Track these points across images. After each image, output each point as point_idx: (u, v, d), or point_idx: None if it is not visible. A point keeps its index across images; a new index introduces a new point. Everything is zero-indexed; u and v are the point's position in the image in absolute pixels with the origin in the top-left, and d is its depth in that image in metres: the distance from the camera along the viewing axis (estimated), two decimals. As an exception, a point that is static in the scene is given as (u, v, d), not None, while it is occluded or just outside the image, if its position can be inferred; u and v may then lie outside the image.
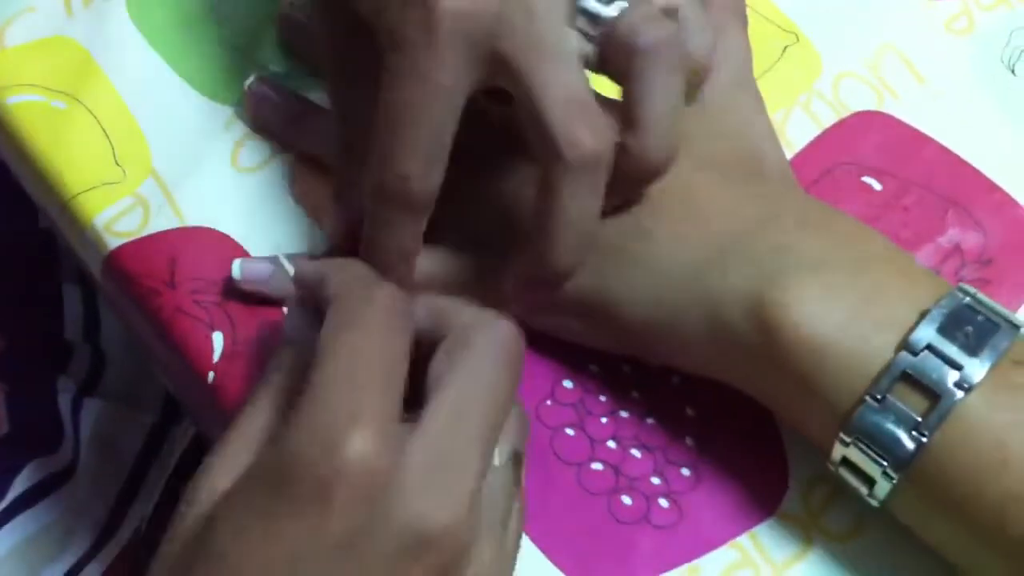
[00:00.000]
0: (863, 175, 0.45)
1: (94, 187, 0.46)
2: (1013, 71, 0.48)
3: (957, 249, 0.44)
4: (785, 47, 0.49)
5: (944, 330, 0.34)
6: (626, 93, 0.38)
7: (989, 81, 0.47)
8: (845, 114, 0.47)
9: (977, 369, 0.34)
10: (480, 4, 0.35)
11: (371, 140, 0.37)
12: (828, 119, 0.47)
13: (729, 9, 0.46)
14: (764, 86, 0.45)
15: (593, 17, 0.37)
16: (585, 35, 0.38)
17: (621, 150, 0.37)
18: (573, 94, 0.36)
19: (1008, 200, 0.45)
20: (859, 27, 0.49)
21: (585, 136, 0.36)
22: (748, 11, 0.47)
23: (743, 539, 0.39)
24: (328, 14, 0.40)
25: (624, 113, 0.38)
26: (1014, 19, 0.49)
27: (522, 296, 0.40)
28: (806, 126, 0.47)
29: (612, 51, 0.37)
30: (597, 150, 0.36)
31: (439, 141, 0.36)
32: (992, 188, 0.45)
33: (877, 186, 0.45)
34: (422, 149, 0.36)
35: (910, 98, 0.47)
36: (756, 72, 0.46)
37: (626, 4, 0.37)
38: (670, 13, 0.40)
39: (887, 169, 0.45)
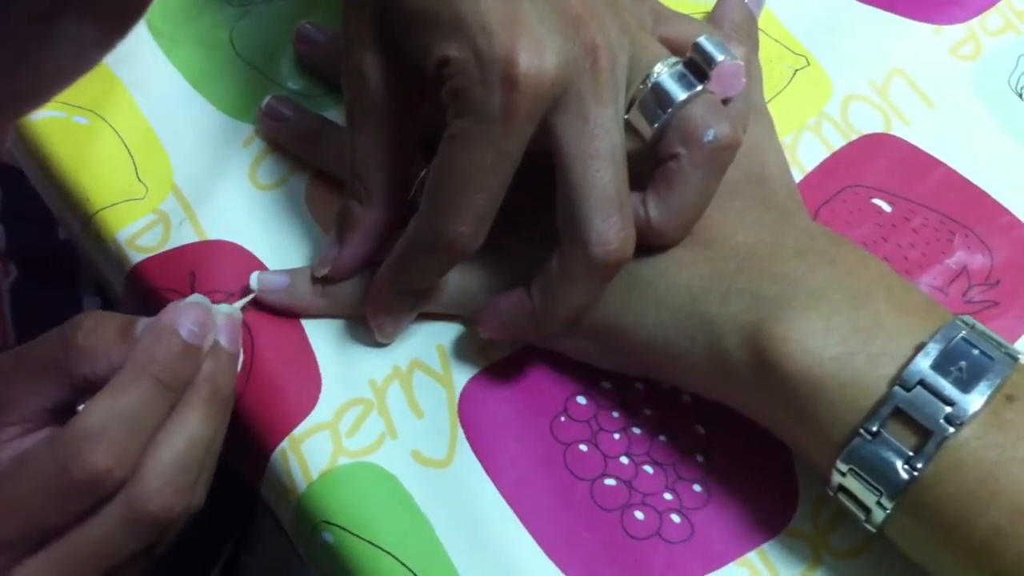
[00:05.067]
0: (872, 197, 0.46)
1: (117, 203, 0.47)
2: (1020, 95, 0.48)
3: (965, 271, 0.44)
4: (796, 70, 0.49)
5: (938, 366, 0.35)
6: (672, 172, 0.38)
7: (997, 105, 0.48)
8: (854, 137, 0.48)
9: (969, 405, 0.34)
10: (555, 83, 0.36)
11: (428, 193, 0.38)
12: (837, 142, 0.47)
13: (741, 31, 0.47)
14: (774, 109, 0.46)
15: (663, 95, 0.38)
16: (645, 116, 0.39)
17: (644, 219, 0.39)
18: (613, 194, 0.37)
19: (1016, 222, 0.45)
20: (868, 51, 0.50)
21: (615, 239, 0.37)
22: (759, 33, 0.48)
23: (752, 555, 0.39)
24: (367, 51, 0.40)
25: (661, 188, 0.39)
26: (1021, 44, 0.50)
27: (496, 334, 0.41)
28: (816, 149, 0.47)
29: (672, 132, 0.38)
30: (623, 255, 0.38)
31: (496, 201, 0.38)
32: (1000, 211, 0.46)
33: (886, 208, 0.46)
34: (482, 209, 0.38)
35: (919, 122, 0.48)
36: (767, 95, 0.47)
37: (699, 88, 0.38)
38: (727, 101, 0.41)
39: (896, 191, 0.46)
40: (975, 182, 0.46)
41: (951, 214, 0.46)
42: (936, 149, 0.47)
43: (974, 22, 0.50)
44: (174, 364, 0.39)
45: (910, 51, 0.49)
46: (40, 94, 0.27)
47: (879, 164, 0.47)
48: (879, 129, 0.48)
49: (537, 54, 0.35)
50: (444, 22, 0.36)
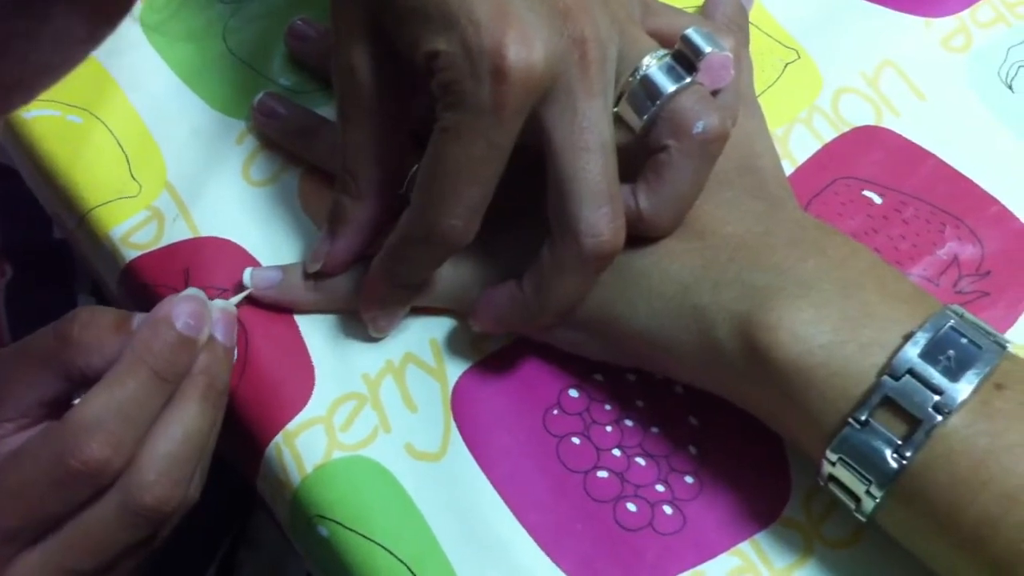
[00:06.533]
0: (863, 189, 0.46)
1: (111, 200, 0.47)
2: (1011, 87, 0.48)
3: (955, 261, 0.45)
4: (786, 64, 0.49)
5: (927, 354, 0.35)
6: (662, 163, 0.39)
7: (987, 97, 0.48)
8: (845, 129, 0.48)
9: (957, 394, 0.34)
10: (544, 75, 0.36)
11: (419, 187, 0.38)
12: (829, 134, 0.48)
13: (731, 23, 0.47)
14: (766, 102, 0.46)
15: (652, 87, 0.38)
16: (635, 109, 0.39)
17: (635, 210, 0.39)
18: (603, 186, 0.37)
19: (1006, 213, 0.46)
20: (859, 44, 0.50)
21: (606, 231, 0.37)
22: (750, 27, 0.49)
23: (745, 546, 0.40)
24: (357, 46, 0.40)
25: (651, 180, 0.39)
26: (1012, 36, 0.50)
27: (489, 327, 0.41)
28: (807, 141, 0.47)
29: (661, 124, 0.38)
30: (613, 246, 0.38)
31: (488, 193, 0.38)
32: (990, 201, 0.46)
33: (877, 200, 0.46)
34: (474, 202, 0.38)
35: (909, 113, 0.48)
36: (758, 88, 0.47)
37: (688, 80, 0.38)
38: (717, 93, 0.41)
39: (887, 183, 0.46)
40: (965, 173, 0.46)
41: (942, 205, 0.46)
42: (927, 141, 0.47)
43: (965, 14, 0.50)
44: (170, 356, 0.39)
45: (901, 43, 0.50)
46: (28, 89, 0.27)
47: (870, 156, 0.47)
48: (870, 121, 0.48)
49: (526, 46, 0.36)
50: (433, 15, 0.36)
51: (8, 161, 0.53)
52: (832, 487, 0.37)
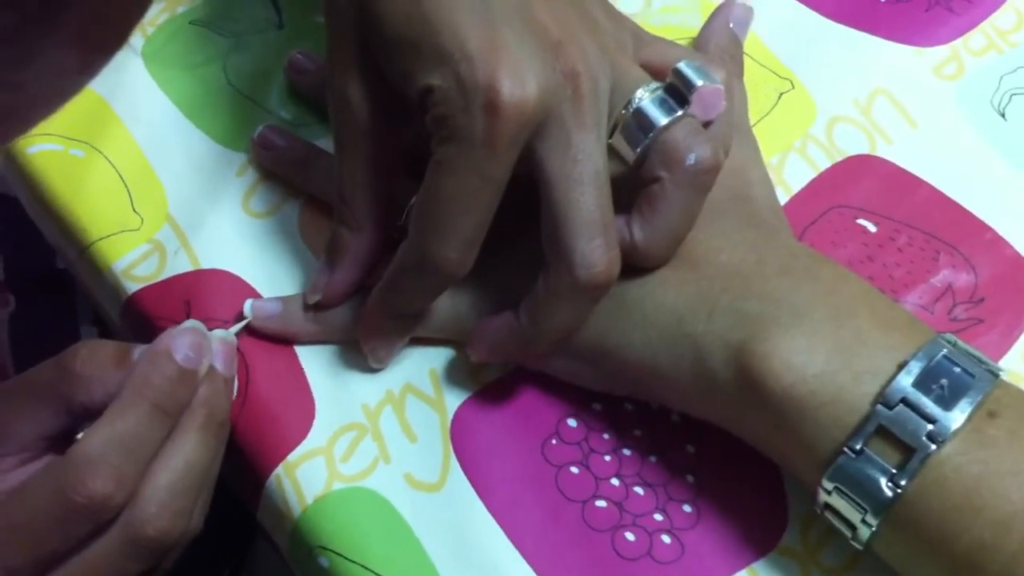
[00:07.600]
0: (858, 217, 0.47)
1: (113, 234, 0.47)
2: (1003, 115, 0.49)
3: (950, 289, 0.45)
4: (781, 93, 0.50)
5: (920, 383, 0.35)
6: (655, 195, 0.39)
7: (979, 125, 0.49)
8: (839, 158, 0.48)
9: (951, 423, 0.35)
10: (537, 108, 0.37)
11: (416, 219, 0.38)
12: (823, 163, 0.48)
13: (725, 54, 0.47)
14: (760, 132, 0.47)
15: (644, 119, 0.39)
16: (628, 141, 0.39)
17: (629, 241, 0.39)
18: (597, 217, 0.38)
19: (999, 240, 0.46)
20: (852, 73, 0.50)
21: (600, 262, 0.38)
22: (745, 57, 0.49)
23: (743, 574, 0.40)
24: (352, 78, 0.40)
25: (645, 211, 0.39)
26: (1004, 64, 0.50)
27: (485, 356, 0.42)
28: (802, 170, 0.48)
29: (654, 156, 0.39)
30: (608, 277, 0.38)
31: (484, 225, 0.38)
32: (983, 229, 0.46)
33: (871, 228, 0.46)
34: (469, 234, 0.38)
35: (902, 142, 0.48)
36: (753, 118, 0.48)
37: (680, 113, 0.39)
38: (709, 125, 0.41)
39: (881, 211, 0.47)
40: (959, 201, 0.47)
41: (935, 233, 0.46)
42: (920, 168, 0.48)
43: (957, 43, 0.51)
44: (170, 389, 0.39)
45: (893, 71, 0.50)
46: (23, 120, 0.27)
47: (864, 184, 0.47)
48: (864, 149, 0.48)
49: (518, 81, 0.36)
50: (425, 51, 0.37)
51: (10, 191, 0.54)
52: (828, 515, 0.37)
